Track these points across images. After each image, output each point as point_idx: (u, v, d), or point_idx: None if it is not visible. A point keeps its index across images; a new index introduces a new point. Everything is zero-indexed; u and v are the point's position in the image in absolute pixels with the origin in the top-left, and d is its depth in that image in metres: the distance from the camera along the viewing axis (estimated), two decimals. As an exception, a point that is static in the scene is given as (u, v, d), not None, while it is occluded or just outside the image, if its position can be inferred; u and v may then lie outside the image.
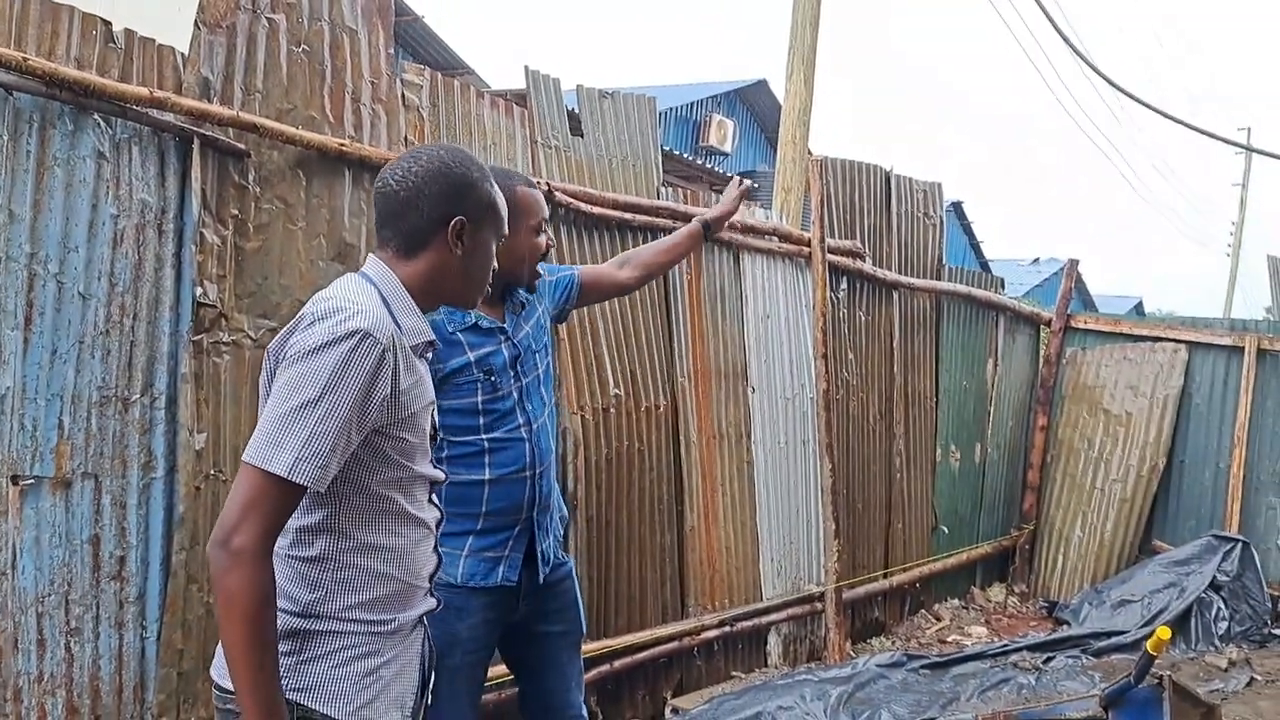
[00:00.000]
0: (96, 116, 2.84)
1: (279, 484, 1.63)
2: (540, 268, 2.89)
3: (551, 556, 2.77)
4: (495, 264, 2.01)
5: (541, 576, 2.73)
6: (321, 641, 1.75)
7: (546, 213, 2.78)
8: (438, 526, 1.97)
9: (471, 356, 2.60)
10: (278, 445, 1.63)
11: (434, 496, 1.97)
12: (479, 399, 2.60)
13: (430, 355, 1.97)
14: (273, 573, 1.65)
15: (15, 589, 2.71)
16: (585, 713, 2.91)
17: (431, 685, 2.04)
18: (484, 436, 2.62)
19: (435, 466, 1.95)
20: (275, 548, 1.77)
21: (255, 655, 1.61)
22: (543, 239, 2.75)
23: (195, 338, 3.05)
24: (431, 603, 1.95)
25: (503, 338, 2.68)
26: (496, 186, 1.96)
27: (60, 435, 2.79)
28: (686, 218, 4.72)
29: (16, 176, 2.68)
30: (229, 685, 1.75)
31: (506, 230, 2.00)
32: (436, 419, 1.97)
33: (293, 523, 1.75)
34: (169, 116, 2.97)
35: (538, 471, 2.69)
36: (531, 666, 2.85)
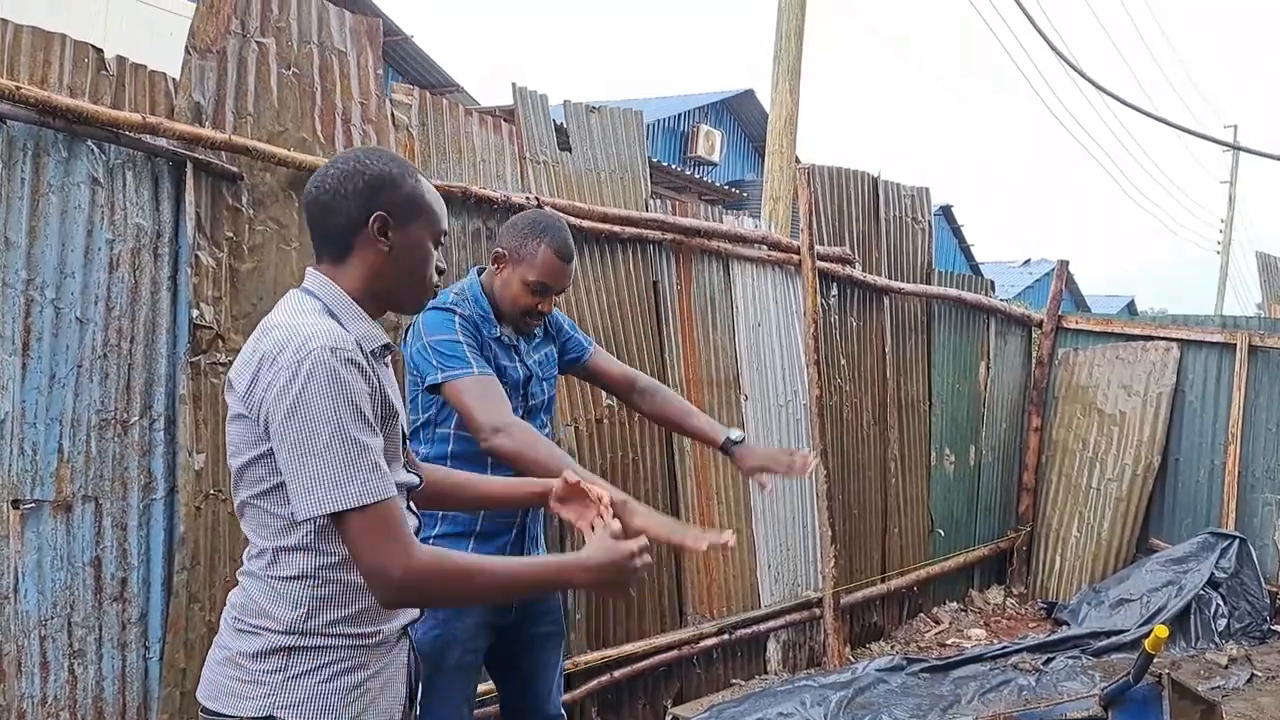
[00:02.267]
0: (90, 143, 2.86)
1: (373, 507, 1.65)
2: (567, 325, 3.05)
3: None
4: (443, 268, 1.99)
5: None
6: (307, 658, 1.75)
7: (556, 281, 2.78)
8: (416, 534, 1.98)
9: (493, 364, 2.71)
10: (344, 483, 1.64)
11: (411, 503, 1.97)
12: None
13: (389, 360, 1.96)
14: (430, 555, 1.72)
15: (18, 612, 2.72)
16: (564, 713, 2.97)
17: (420, 697, 2.05)
18: None
19: (408, 471, 1.96)
20: (254, 569, 1.78)
21: (514, 587, 1.84)
22: (535, 300, 2.77)
23: (193, 359, 3.07)
24: (414, 612, 1.95)
25: (518, 358, 2.80)
26: (426, 184, 1.91)
27: (60, 459, 2.81)
28: (676, 229, 4.78)
29: (11, 204, 2.71)
30: (215, 708, 1.76)
31: (445, 227, 1.94)
32: (405, 424, 1.98)
33: (270, 543, 1.76)
34: (162, 141, 2.99)
35: None
36: (520, 668, 2.90)
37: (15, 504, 2.72)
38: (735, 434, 2.96)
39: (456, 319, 2.63)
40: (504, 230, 2.88)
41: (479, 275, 2.87)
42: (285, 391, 1.66)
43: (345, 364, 1.68)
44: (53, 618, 2.79)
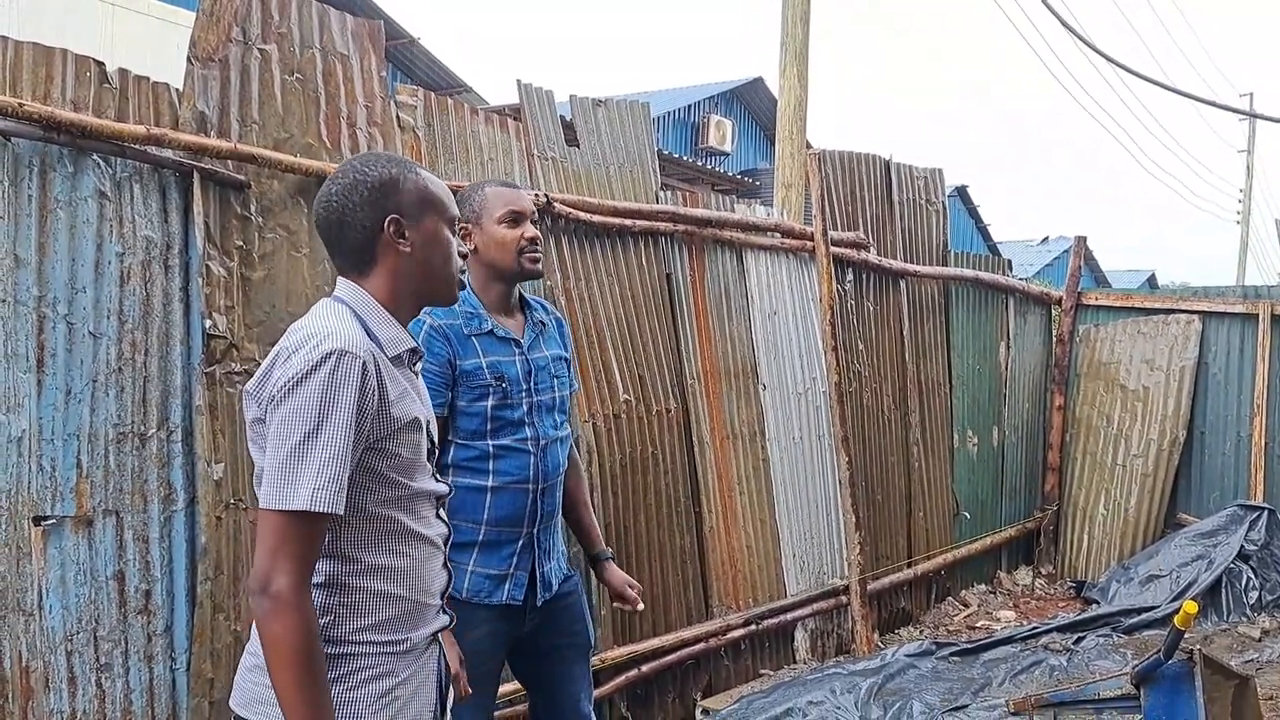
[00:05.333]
0: (96, 157, 2.86)
1: (302, 519, 1.65)
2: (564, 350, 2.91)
3: (554, 581, 2.79)
4: (466, 251, 1.98)
5: (541, 599, 2.74)
6: (335, 665, 1.75)
7: (521, 206, 2.71)
8: (446, 542, 1.96)
9: (484, 360, 2.65)
10: (291, 483, 1.65)
11: (441, 512, 1.96)
12: (489, 403, 2.64)
13: (418, 365, 1.96)
14: (313, 610, 1.66)
15: (44, 629, 2.73)
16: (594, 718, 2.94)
17: (450, 703, 2.04)
18: (490, 442, 2.65)
19: (438, 480, 1.95)
20: None
21: (309, 694, 1.62)
22: (518, 231, 2.69)
23: (207, 369, 3.07)
24: (444, 620, 1.94)
25: (517, 350, 2.71)
26: (425, 174, 1.92)
27: (79, 474, 2.82)
28: (687, 220, 4.76)
29: (20, 221, 2.71)
30: (248, 715, 1.77)
31: (456, 212, 1.96)
32: (434, 431, 1.97)
33: None
34: (168, 152, 2.99)
35: (540, 487, 2.71)
36: (543, 679, 2.87)
37: (37, 521, 2.73)
38: (608, 551, 3.01)
39: (422, 332, 2.58)
40: (461, 215, 2.85)
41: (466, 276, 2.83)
42: (286, 385, 1.69)
43: (352, 369, 1.69)
44: (78, 632, 2.80)
